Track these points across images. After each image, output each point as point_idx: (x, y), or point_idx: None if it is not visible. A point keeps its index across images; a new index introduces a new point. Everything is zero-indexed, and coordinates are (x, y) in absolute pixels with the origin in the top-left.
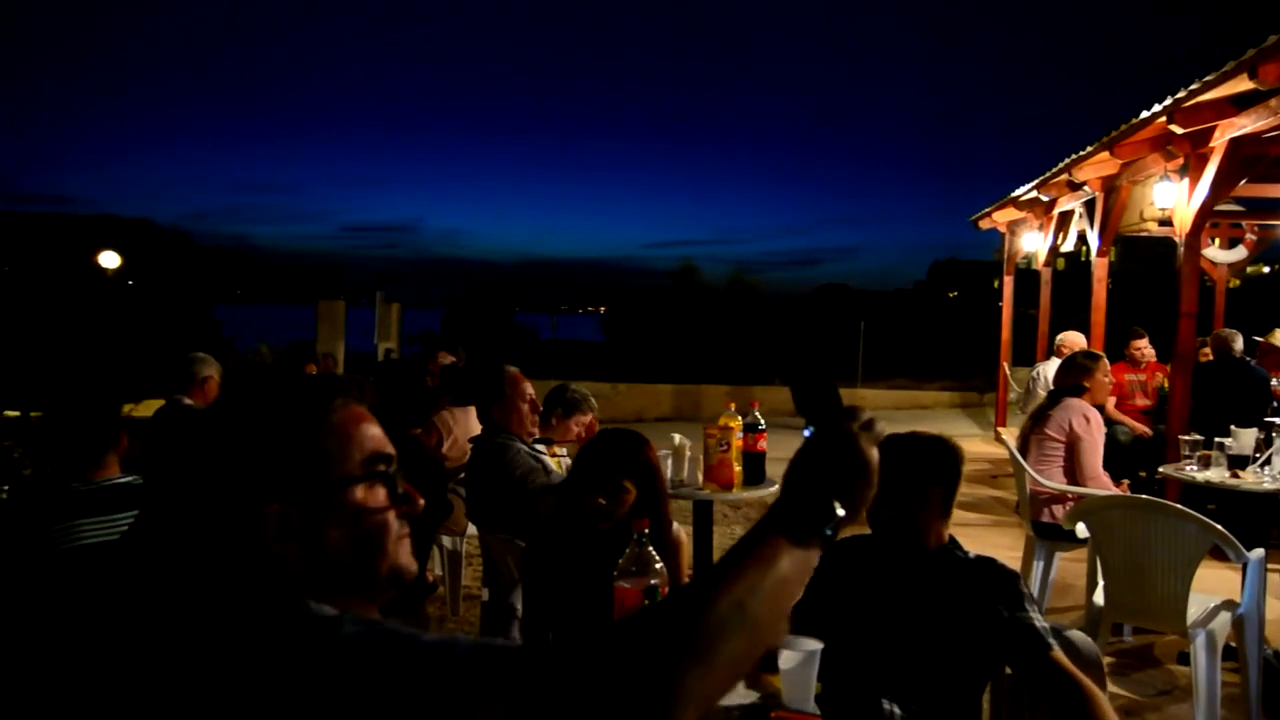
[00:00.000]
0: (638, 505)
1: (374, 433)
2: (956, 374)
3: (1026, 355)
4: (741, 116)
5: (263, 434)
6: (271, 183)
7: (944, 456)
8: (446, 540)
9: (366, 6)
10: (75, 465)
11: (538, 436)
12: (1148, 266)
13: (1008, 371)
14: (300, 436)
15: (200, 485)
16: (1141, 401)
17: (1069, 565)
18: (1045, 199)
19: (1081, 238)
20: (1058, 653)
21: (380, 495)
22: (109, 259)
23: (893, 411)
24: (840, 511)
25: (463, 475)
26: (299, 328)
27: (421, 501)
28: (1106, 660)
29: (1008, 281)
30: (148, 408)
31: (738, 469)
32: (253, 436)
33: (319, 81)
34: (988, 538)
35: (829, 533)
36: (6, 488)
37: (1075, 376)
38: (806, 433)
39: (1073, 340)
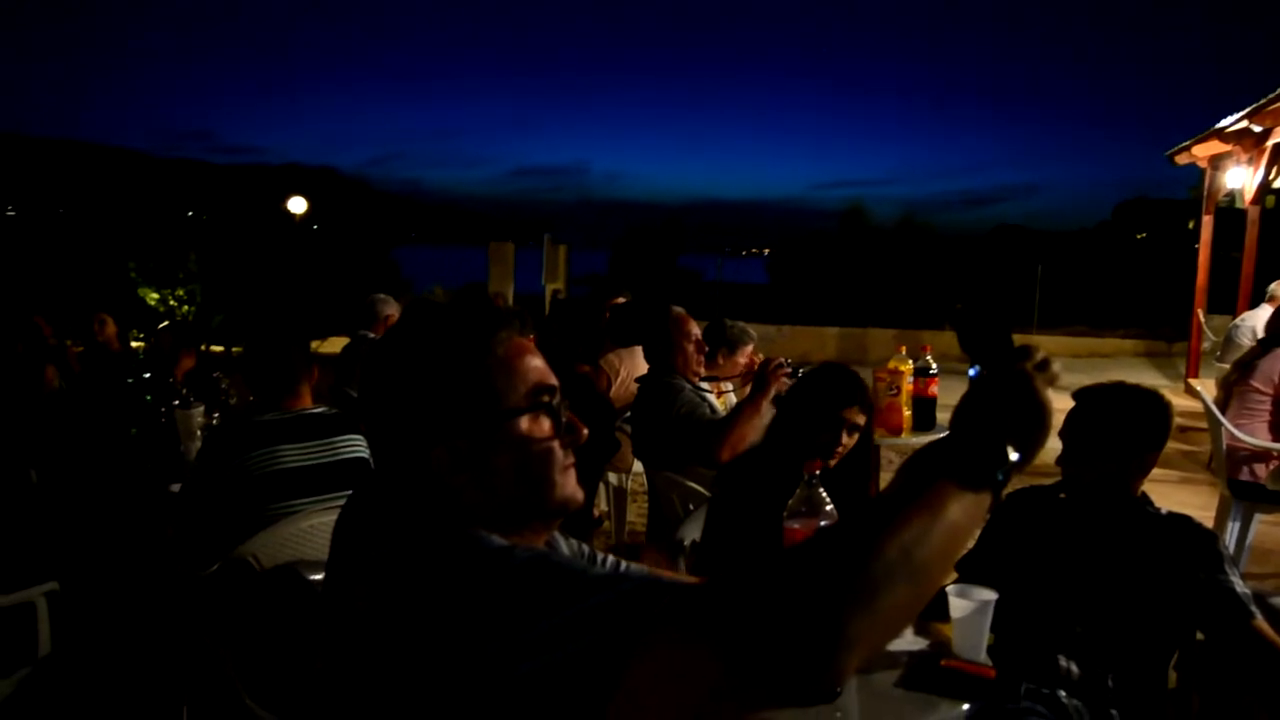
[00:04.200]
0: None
1: (537, 364)
2: (1142, 321)
3: (1224, 302)
4: (912, 52)
5: (430, 370)
6: (443, 129)
7: (1163, 418)
8: (613, 477)
9: None
10: (273, 396)
11: (703, 375)
12: None
13: (1202, 319)
14: (466, 371)
15: (374, 420)
16: None
17: (1269, 529)
18: (1257, 130)
19: None
20: (1261, 621)
21: (545, 426)
22: (296, 204)
23: (1070, 359)
24: (1013, 456)
25: (629, 414)
26: (470, 269)
27: (585, 431)
28: None
29: (1206, 222)
30: (334, 344)
31: (907, 414)
32: (420, 373)
33: (487, 27)
34: (1175, 495)
35: (1001, 478)
36: (216, 415)
37: None
38: (971, 372)
39: None
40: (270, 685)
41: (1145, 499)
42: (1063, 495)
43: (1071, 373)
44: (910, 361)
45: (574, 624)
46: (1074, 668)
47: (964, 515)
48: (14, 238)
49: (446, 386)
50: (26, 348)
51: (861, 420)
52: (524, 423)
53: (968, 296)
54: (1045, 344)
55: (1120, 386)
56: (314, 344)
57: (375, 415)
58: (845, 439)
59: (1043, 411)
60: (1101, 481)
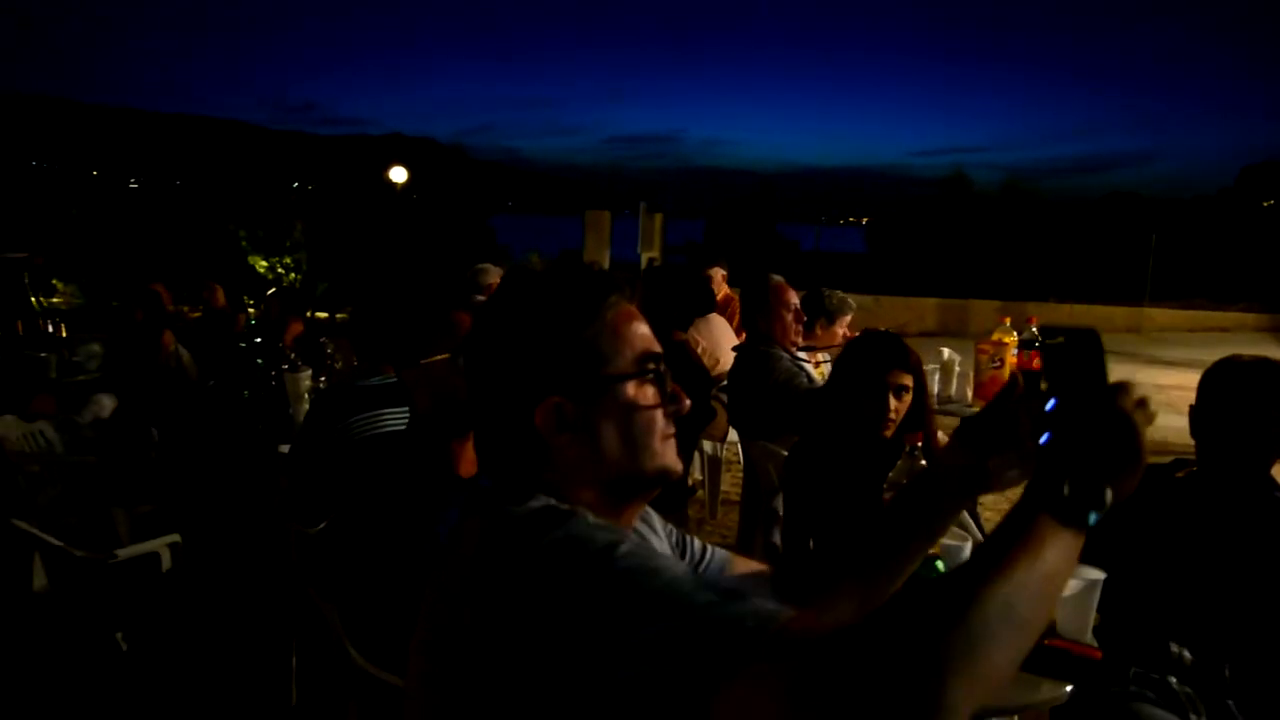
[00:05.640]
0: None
1: (644, 331)
2: (1267, 294)
3: None
4: (1015, 8)
5: (540, 329)
6: (538, 98)
7: None
8: (707, 445)
9: None
10: (377, 361)
11: (801, 345)
12: None
13: None
14: (576, 333)
15: (480, 379)
16: None
17: None
18: None
19: None
20: None
21: (650, 393)
22: (397, 174)
23: (1185, 333)
24: (1109, 497)
25: (724, 383)
26: (567, 237)
27: (688, 402)
28: None
29: None
30: None
31: None
32: (530, 332)
33: None
34: None
35: (1093, 521)
36: (323, 379)
37: None
38: (1049, 406)
39: None
40: (374, 638)
41: (1273, 482)
42: (1179, 475)
43: (1189, 348)
44: (1015, 333)
45: (663, 642)
46: (1186, 654)
47: (1060, 559)
48: (137, 209)
49: (555, 346)
50: (145, 315)
51: (908, 382)
52: (629, 388)
53: (1057, 329)
54: (1158, 317)
55: (1266, 361)
56: None
57: (481, 373)
58: (894, 403)
59: (1141, 455)
60: (1238, 461)
